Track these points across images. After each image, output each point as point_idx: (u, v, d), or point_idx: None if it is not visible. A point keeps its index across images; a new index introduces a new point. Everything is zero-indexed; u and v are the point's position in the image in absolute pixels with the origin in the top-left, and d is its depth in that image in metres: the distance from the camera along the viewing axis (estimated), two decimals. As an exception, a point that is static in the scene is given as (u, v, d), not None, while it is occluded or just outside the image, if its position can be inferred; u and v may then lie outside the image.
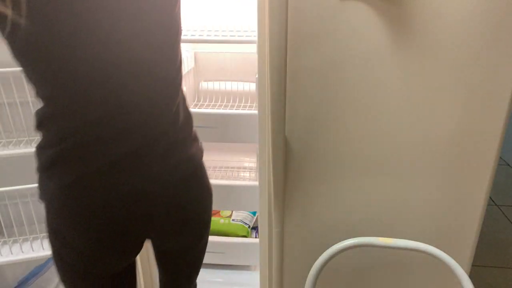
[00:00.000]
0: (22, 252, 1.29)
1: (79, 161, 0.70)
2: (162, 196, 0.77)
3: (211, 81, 1.74)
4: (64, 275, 0.80)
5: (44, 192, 0.74)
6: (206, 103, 1.73)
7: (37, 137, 1.20)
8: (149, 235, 0.83)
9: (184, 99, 0.81)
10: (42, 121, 0.70)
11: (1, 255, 1.28)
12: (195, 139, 0.84)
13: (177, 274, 0.95)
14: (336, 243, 0.96)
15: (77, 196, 0.72)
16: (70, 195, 0.72)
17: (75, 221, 0.73)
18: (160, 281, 0.99)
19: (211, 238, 1.55)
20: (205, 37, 1.29)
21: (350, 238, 0.97)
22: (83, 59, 0.63)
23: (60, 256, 0.78)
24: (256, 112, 1.19)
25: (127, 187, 0.73)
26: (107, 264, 0.79)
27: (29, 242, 1.31)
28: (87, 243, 0.75)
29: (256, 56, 1.03)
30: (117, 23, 0.64)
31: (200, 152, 0.86)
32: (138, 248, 0.83)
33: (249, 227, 1.70)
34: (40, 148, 0.72)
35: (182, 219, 0.82)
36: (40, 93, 0.68)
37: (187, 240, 0.87)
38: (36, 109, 0.70)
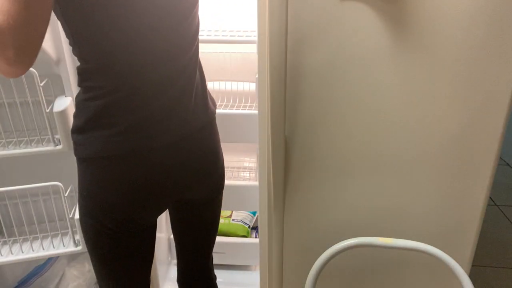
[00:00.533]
0: (22, 252, 1.29)
1: (130, 110, 0.76)
2: (185, 144, 0.84)
3: (211, 81, 1.73)
4: (102, 231, 0.83)
5: (90, 144, 0.77)
6: (206, 103, 1.73)
7: (37, 137, 1.20)
8: (176, 186, 0.88)
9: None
10: (91, 75, 0.75)
11: (1, 255, 1.28)
12: (207, 92, 0.93)
13: (195, 238, 1.02)
14: (336, 243, 0.96)
15: (127, 144, 0.77)
16: (120, 142, 0.77)
17: (122, 169, 0.78)
18: (178, 260, 1.07)
19: (211, 238, 1.55)
20: (205, 37, 1.29)
21: (350, 238, 0.97)
22: (131, 17, 0.72)
23: (103, 209, 0.81)
24: (256, 112, 1.19)
25: (165, 135, 0.80)
26: (144, 213, 0.84)
27: (29, 242, 1.31)
28: (129, 192, 0.80)
29: (256, 56, 1.03)
30: None
31: (214, 105, 0.94)
32: (169, 201, 0.90)
33: (249, 227, 1.70)
34: (88, 100, 0.76)
35: (200, 168, 0.89)
36: (89, 49, 0.73)
37: (206, 191, 0.94)
38: (78, 66, 0.77)
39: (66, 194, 1.23)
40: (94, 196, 0.81)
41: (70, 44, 0.76)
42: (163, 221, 1.59)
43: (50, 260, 1.48)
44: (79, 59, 0.76)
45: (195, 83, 0.85)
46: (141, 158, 0.79)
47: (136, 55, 0.75)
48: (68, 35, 0.74)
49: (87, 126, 0.77)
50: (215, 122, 0.94)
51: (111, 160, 0.78)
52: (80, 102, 0.78)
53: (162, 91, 0.79)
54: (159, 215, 0.91)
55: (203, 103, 0.88)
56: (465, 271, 0.92)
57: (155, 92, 0.78)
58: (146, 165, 0.80)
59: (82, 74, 0.77)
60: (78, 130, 0.79)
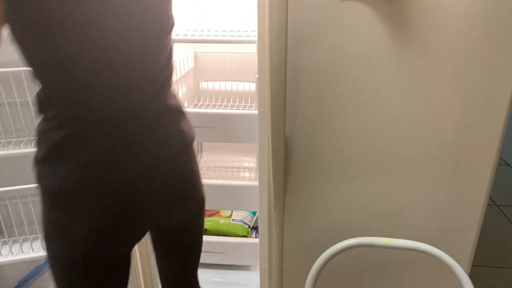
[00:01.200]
0: (22, 252, 1.29)
1: (95, 140, 0.72)
2: (158, 174, 0.80)
3: (211, 81, 1.74)
4: (68, 268, 0.79)
5: (53, 176, 0.73)
6: (206, 103, 1.73)
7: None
8: (151, 215, 0.85)
9: (171, 85, 0.85)
10: (51, 103, 0.71)
11: (1, 255, 1.28)
12: (185, 119, 0.88)
13: (179, 259, 0.98)
14: (336, 243, 0.96)
15: (94, 175, 0.73)
16: (87, 173, 0.73)
17: (90, 200, 0.74)
18: (162, 277, 1.02)
19: (211, 238, 1.56)
20: (205, 37, 1.29)
21: (350, 238, 0.97)
22: (86, 43, 0.66)
23: (71, 243, 0.77)
24: (256, 112, 1.19)
25: (134, 165, 0.76)
26: (114, 245, 0.80)
27: (29, 242, 1.31)
28: (99, 223, 0.76)
29: (256, 56, 1.03)
30: (113, 10, 0.67)
31: (191, 131, 0.89)
32: (142, 231, 0.86)
33: (249, 227, 1.70)
34: (47, 131, 0.72)
35: (175, 195, 0.85)
36: (46, 75, 0.68)
37: (185, 217, 0.90)
38: (38, 92, 0.71)
39: (66, 194, 1.23)
40: (61, 231, 0.77)
41: (27, 65, 0.70)
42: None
43: (50, 260, 1.48)
44: (39, 84, 0.70)
45: (169, 110, 0.81)
46: (109, 190, 0.75)
47: (101, 84, 0.70)
48: (24, 59, 0.68)
49: (49, 157, 0.72)
50: (193, 148, 0.89)
51: (76, 192, 0.74)
52: (40, 133, 0.73)
53: (130, 120, 0.74)
54: (134, 245, 0.87)
55: (178, 130, 0.84)
56: (465, 271, 0.92)
57: (122, 122, 0.73)
58: (115, 197, 0.76)
59: (42, 102, 0.71)
60: (40, 161, 0.74)
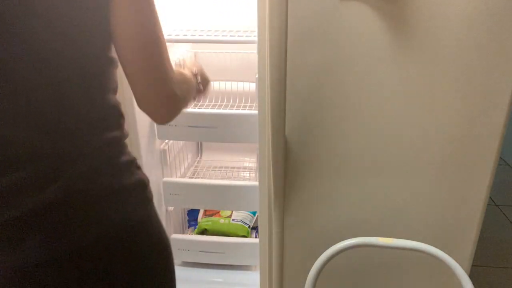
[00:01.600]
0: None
1: None
2: (81, 257, 0.64)
3: (211, 81, 1.73)
4: None
5: None
6: (206, 103, 1.73)
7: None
8: None
9: (125, 146, 0.69)
10: None
11: (1, 255, 1.28)
12: (138, 185, 0.70)
13: None
14: (336, 243, 0.96)
15: None
16: None
17: None
18: None
19: (211, 238, 1.56)
20: (205, 37, 1.29)
21: (350, 238, 0.97)
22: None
23: None
24: (256, 112, 1.19)
25: (40, 248, 0.60)
26: None
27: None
28: None
29: (256, 56, 1.03)
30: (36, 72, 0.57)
31: (146, 201, 0.72)
32: None
33: (249, 227, 1.70)
34: None
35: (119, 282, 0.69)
36: None
37: None
38: None
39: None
40: None
41: None
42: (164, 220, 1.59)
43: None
44: None
45: (101, 181, 0.64)
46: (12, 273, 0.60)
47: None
48: None
49: None
50: (148, 225, 0.71)
51: None
52: None
53: (27, 193, 0.58)
54: None
55: (119, 205, 0.66)
56: (465, 271, 0.92)
57: (15, 194, 0.58)
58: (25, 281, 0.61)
59: None
60: None
